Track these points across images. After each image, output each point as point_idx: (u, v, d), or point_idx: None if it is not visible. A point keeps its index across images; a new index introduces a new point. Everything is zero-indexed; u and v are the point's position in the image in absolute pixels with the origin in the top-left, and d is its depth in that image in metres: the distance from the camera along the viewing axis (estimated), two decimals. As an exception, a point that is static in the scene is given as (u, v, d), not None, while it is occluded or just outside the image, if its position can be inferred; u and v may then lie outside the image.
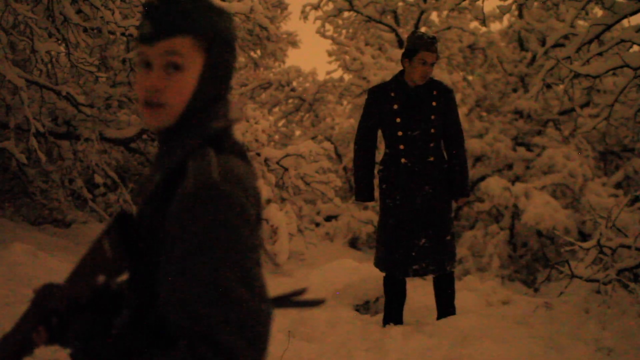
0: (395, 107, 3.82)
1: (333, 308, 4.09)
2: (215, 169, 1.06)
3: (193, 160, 1.09)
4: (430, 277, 4.14)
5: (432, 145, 3.85)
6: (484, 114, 12.17)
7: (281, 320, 3.96)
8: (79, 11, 5.78)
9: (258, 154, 6.48)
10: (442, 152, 3.95)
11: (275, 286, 5.43)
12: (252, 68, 11.83)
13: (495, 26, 13.84)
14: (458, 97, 5.23)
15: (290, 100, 12.09)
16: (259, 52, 11.64)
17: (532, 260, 10.02)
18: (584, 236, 8.98)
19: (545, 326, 3.75)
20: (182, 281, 1.01)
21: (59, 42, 5.75)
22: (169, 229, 1.06)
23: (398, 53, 10.09)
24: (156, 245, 1.09)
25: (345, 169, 11.02)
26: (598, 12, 8.05)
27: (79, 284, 1.19)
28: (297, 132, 12.53)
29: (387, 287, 3.97)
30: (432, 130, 3.83)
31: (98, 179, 7.00)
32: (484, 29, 10.95)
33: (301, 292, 1.29)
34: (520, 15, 11.33)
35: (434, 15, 11.90)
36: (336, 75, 12.55)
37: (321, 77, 12.04)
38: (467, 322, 3.72)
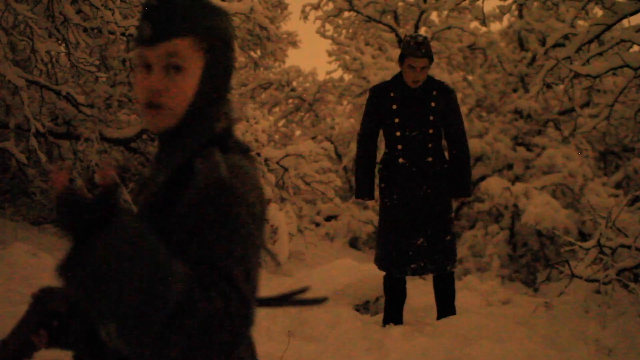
0: (394, 107, 3.83)
1: (333, 308, 4.09)
2: (224, 167, 1.07)
3: (200, 160, 1.10)
4: (430, 277, 4.14)
5: (430, 145, 3.85)
6: (484, 113, 12.17)
7: (281, 320, 3.96)
8: (79, 11, 5.78)
9: (258, 154, 6.48)
10: (442, 152, 3.95)
11: (276, 286, 5.43)
12: (252, 68, 11.83)
13: (495, 26, 13.86)
14: (458, 97, 5.22)
15: (290, 100, 12.09)
16: (259, 52, 11.63)
17: (532, 260, 10.02)
18: (584, 236, 8.98)
19: (545, 326, 3.75)
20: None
21: (59, 42, 5.75)
22: (181, 226, 1.06)
23: (398, 53, 10.09)
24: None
25: (345, 168, 11.02)
26: (598, 12, 8.05)
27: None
28: (297, 132, 12.53)
29: (387, 287, 3.98)
30: (431, 131, 3.83)
31: (98, 179, 6.98)
32: (484, 29, 10.95)
33: (303, 290, 1.29)
34: (520, 15, 11.33)
35: (434, 15, 11.90)
36: (336, 75, 12.56)
37: (321, 77, 12.05)
38: (467, 322, 3.72)
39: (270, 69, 12.57)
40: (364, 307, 4.52)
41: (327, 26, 11.17)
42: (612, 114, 4.83)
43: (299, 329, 3.75)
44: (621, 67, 4.34)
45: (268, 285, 5.10)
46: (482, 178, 10.63)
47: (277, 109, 12.31)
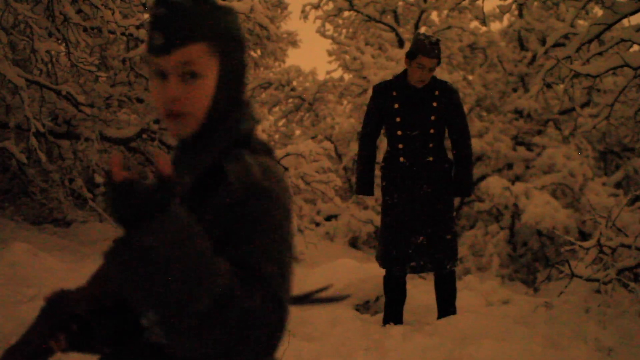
0: (396, 106, 3.84)
1: (333, 308, 4.09)
2: (256, 169, 1.09)
3: (229, 162, 1.10)
4: (431, 277, 4.15)
5: (431, 145, 3.86)
6: (484, 113, 12.17)
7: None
8: (79, 11, 5.77)
9: (258, 154, 6.47)
10: (444, 152, 3.95)
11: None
12: (252, 68, 11.83)
13: (495, 26, 13.84)
14: (458, 96, 5.21)
15: (290, 100, 12.09)
16: (259, 51, 11.62)
17: (532, 260, 10.02)
18: (584, 236, 8.98)
19: (545, 326, 3.75)
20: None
21: (59, 41, 5.75)
22: (215, 228, 1.06)
23: (398, 53, 10.09)
24: None
25: (345, 168, 11.01)
26: (598, 11, 8.05)
27: (102, 287, 1.15)
28: (297, 132, 12.53)
29: (387, 287, 3.98)
30: (432, 131, 3.84)
31: (98, 179, 6.99)
32: (484, 28, 10.96)
33: (325, 288, 1.30)
34: (520, 15, 11.33)
35: (434, 15, 11.90)
36: (336, 74, 12.57)
37: (321, 76, 12.07)
38: (467, 322, 3.72)
39: (270, 68, 12.56)
40: (364, 307, 4.52)
41: (327, 26, 11.18)
42: (612, 114, 4.83)
43: (299, 329, 3.75)
44: (621, 66, 4.34)
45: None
46: (482, 178, 10.63)
47: (277, 109, 12.31)
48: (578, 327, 3.67)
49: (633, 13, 4.44)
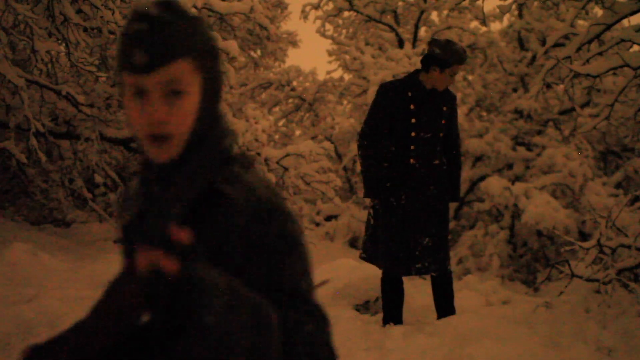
0: (412, 107, 3.80)
1: (333, 308, 4.09)
2: (261, 188, 1.07)
3: (228, 184, 1.06)
4: (429, 277, 4.14)
5: (438, 148, 3.89)
6: (484, 113, 12.17)
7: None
8: (79, 11, 5.77)
9: (258, 154, 6.48)
10: (443, 155, 3.98)
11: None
12: (252, 68, 11.83)
13: (495, 26, 13.83)
14: (458, 96, 5.23)
15: (290, 100, 12.09)
16: (259, 52, 11.64)
17: (532, 260, 10.03)
18: (584, 236, 8.98)
19: (545, 326, 3.75)
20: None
21: (59, 41, 5.75)
22: (230, 255, 1.05)
23: (398, 53, 10.08)
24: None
25: (345, 168, 11.01)
26: (598, 12, 8.05)
27: (87, 339, 1.06)
28: (297, 132, 12.53)
29: (384, 287, 3.98)
30: (441, 134, 3.89)
31: (98, 179, 6.99)
32: (484, 28, 10.96)
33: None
34: (520, 15, 11.33)
35: (434, 15, 11.90)
36: (336, 75, 12.60)
37: (321, 77, 12.08)
38: (467, 322, 3.72)
39: (270, 68, 12.57)
40: (364, 307, 4.52)
41: (327, 26, 11.18)
42: (612, 114, 4.82)
43: (299, 329, 3.75)
44: (621, 66, 4.34)
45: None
46: (482, 178, 10.63)
47: (277, 109, 12.31)
48: (578, 327, 3.67)
49: (633, 13, 4.44)
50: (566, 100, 8.98)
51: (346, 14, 11.46)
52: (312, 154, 6.72)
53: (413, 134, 3.82)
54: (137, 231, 1.07)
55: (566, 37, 7.04)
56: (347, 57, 10.55)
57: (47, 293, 3.81)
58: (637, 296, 3.84)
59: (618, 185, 10.33)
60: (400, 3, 11.32)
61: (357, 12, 11.08)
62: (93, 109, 6.56)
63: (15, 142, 6.00)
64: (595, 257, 4.28)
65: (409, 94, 3.82)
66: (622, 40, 4.53)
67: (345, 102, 12.03)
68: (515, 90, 11.55)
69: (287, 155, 6.70)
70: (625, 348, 3.40)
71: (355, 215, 9.84)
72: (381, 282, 3.99)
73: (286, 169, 6.76)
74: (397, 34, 11.43)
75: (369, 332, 3.75)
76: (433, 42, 3.81)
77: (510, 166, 11.10)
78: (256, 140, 6.37)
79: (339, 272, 4.68)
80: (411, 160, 3.84)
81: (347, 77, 11.24)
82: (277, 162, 6.66)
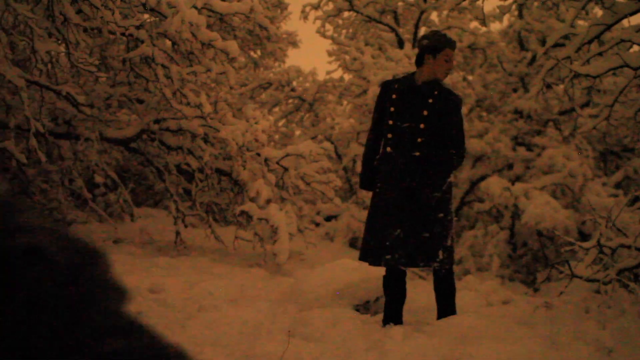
0: (394, 96, 3.93)
1: (333, 308, 4.09)
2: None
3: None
4: (430, 277, 4.14)
5: (420, 140, 3.83)
6: (484, 113, 12.18)
7: (281, 320, 3.96)
8: (79, 11, 5.77)
9: (258, 154, 6.48)
10: (435, 151, 3.88)
11: (275, 286, 5.40)
12: (252, 68, 11.83)
13: (495, 26, 13.81)
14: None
15: (290, 100, 12.09)
16: (259, 52, 11.63)
17: (532, 260, 10.03)
18: (584, 236, 8.98)
19: (545, 326, 3.75)
20: None
21: (59, 42, 5.75)
22: None
23: (398, 53, 10.09)
24: None
25: (345, 168, 11.01)
26: (598, 12, 8.04)
27: None
28: (297, 132, 12.53)
29: (386, 287, 3.98)
30: (422, 126, 3.83)
31: (98, 179, 7.00)
32: (484, 29, 10.95)
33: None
34: (520, 15, 11.33)
35: (434, 15, 11.90)
36: (336, 75, 12.57)
37: (321, 77, 12.05)
38: (467, 322, 3.72)
39: (270, 69, 12.57)
40: (364, 307, 4.52)
41: (327, 26, 11.18)
42: (612, 114, 4.83)
43: (299, 329, 3.75)
44: (621, 67, 4.35)
45: (268, 285, 5.10)
46: (482, 178, 10.63)
47: (277, 109, 12.32)
48: (578, 327, 3.67)
49: (633, 13, 4.44)
50: (566, 100, 8.98)
51: (346, 14, 11.47)
52: (312, 154, 6.73)
53: (391, 122, 3.90)
54: None
55: (566, 37, 7.03)
56: (347, 57, 10.55)
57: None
58: (637, 296, 3.84)
59: (618, 186, 10.33)
60: (400, 3, 11.33)
61: (357, 12, 11.09)
62: (93, 109, 6.56)
63: (15, 142, 6.00)
64: (595, 257, 4.28)
65: (396, 86, 3.96)
66: (622, 41, 4.53)
67: (345, 102, 12.03)
68: (515, 90, 11.55)
69: (287, 155, 6.70)
70: (625, 348, 3.40)
71: (355, 215, 9.84)
72: (383, 280, 3.99)
73: (286, 169, 6.76)
74: (397, 34, 11.43)
75: (369, 332, 3.75)
76: (421, 38, 4.05)
77: (510, 166, 11.10)
78: (256, 140, 6.37)
79: (339, 272, 4.68)
80: (388, 149, 3.89)
81: (347, 77, 11.25)
82: (277, 162, 6.66)
